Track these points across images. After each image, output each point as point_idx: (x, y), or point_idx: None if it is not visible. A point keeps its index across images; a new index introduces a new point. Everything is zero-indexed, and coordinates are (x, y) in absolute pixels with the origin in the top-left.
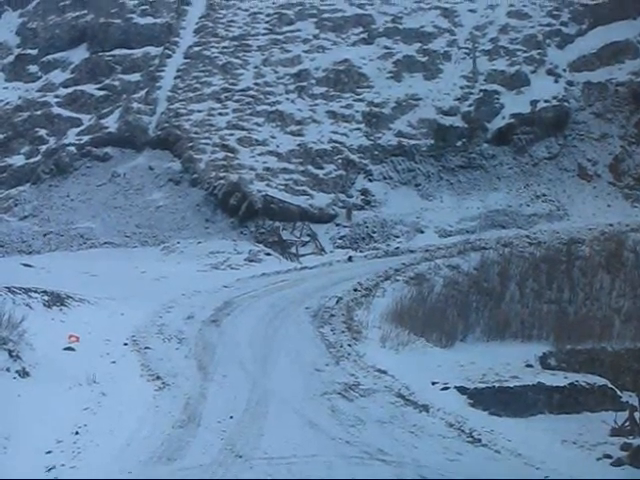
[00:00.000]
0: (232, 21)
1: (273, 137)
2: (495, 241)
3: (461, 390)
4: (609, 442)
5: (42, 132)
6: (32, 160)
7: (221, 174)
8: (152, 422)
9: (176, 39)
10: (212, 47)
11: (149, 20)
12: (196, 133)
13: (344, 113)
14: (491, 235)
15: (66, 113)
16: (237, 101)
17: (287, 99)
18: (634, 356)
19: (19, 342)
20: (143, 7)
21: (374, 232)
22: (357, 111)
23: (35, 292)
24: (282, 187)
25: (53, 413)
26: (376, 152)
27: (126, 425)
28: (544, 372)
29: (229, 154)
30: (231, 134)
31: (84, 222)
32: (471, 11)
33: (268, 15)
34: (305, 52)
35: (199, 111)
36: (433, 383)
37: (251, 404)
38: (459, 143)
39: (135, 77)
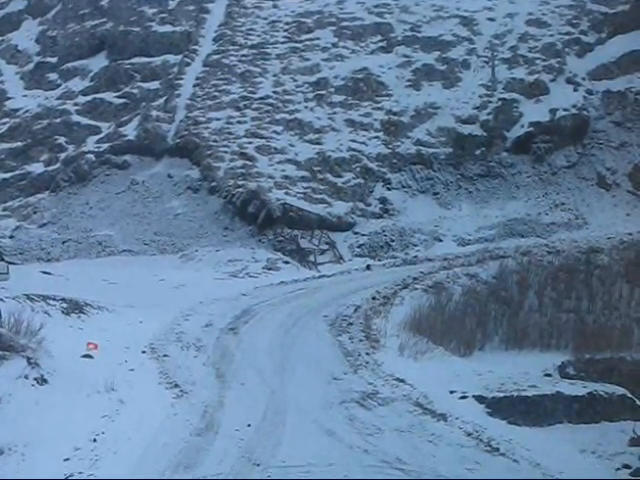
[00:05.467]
0: (251, 29)
1: (292, 145)
2: (514, 250)
3: (479, 399)
4: (628, 452)
5: (61, 140)
6: (51, 168)
7: (239, 182)
8: (170, 430)
9: (195, 47)
10: (231, 55)
11: (168, 28)
12: (215, 141)
13: (363, 121)
14: (510, 244)
15: (85, 121)
16: (256, 109)
17: (306, 107)
18: None
19: (37, 349)
20: (162, 15)
21: (392, 240)
22: (376, 119)
23: (54, 299)
24: (301, 195)
25: (71, 420)
26: (395, 161)
27: (144, 433)
28: (563, 381)
29: (248, 162)
30: (250, 142)
31: (103, 230)
32: (490, 20)
33: (287, 23)
34: (324, 60)
35: (218, 119)
36: (451, 392)
37: (269, 412)
38: (478, 152)
39: (154, 85)
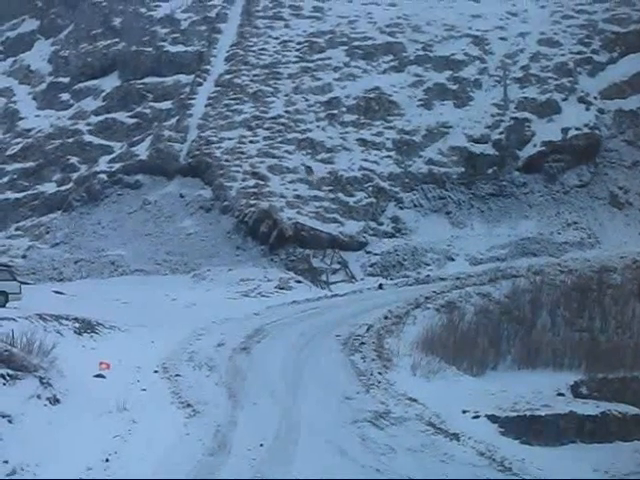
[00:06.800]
0: (263, 49)
1: (304, 165)
2: (526, 269)
3: (492, 419)
4: None
5: (74, 160)
6: (64, 188)
7: (252, 202)
8: (182, 449)
9: (207, 67)
10: (243, 75)
11: (180, 48)
12: (227, 161)
13: (375, 141)
14: (522, 263)
15: (97, 141)
16: (268, 129)
17: (318, 127)
18: None
19: (50, 369)
20: (174, 35)
21: (405, 260)
22: (388, 139)
23: (66, 319)
24: (312, 215)
25: (83, 440)
26: (407, 180)
27: (156, 452)
28: (576, 401)
29: (260, 182)
30: (262, 162)
31: (115, 249)
32: (502, 39)
33: (299, 43)
34: (336, 80)
35: (230, 139)
36: (464, 411)
37: (281, 432)
38: (490, 171)
39: (166, 105)
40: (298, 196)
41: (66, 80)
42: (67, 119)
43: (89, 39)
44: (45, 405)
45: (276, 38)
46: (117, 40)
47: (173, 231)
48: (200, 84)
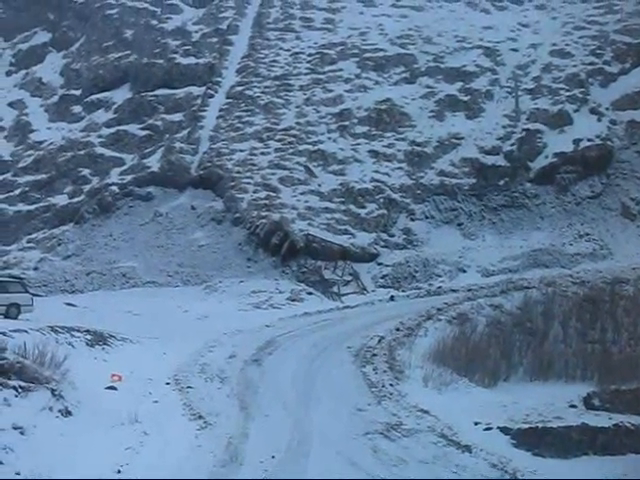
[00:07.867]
0: (274, 61)
1: (315, 176)
2: (538, 280)
3: (504, 430)
4: None
5: (85, 172)
6: (75, 200)
7: (263, 213)
8: (194, 461)
9: (218, 79)
10: (254, 87)
11: (192, 60)
12: (238, 172)
13: (386, 152)
14: (534, 274)
15: (109, 153)
16: (279, 140)
17: (329, 138)
18: None
19: (62, 381)
20: (186, 47)
21: (416, 271)
22: (399, 150)
23: (78, 331)
24: (324, 226)
25: (95, 452)
26: (418, 191)
27: (168, 464)
28: (588, 413)
29: (271, 193)
30: (273, 173)
31: (127, 261)
32: (513, 50)
33: (310, 55)
34: (347, 91)
35: (241, 150)
36: (476, 423)
37: (293, 444)
38: (501, 182)
39: (178, 117)
40: (309, 208)
41: (78, 92)
42: (79, 131)
43: (101, 51)
44: (57, 417)
45: (287, 50)
46: (129, 52)
47: (184, 243)
48: (211, 96)
